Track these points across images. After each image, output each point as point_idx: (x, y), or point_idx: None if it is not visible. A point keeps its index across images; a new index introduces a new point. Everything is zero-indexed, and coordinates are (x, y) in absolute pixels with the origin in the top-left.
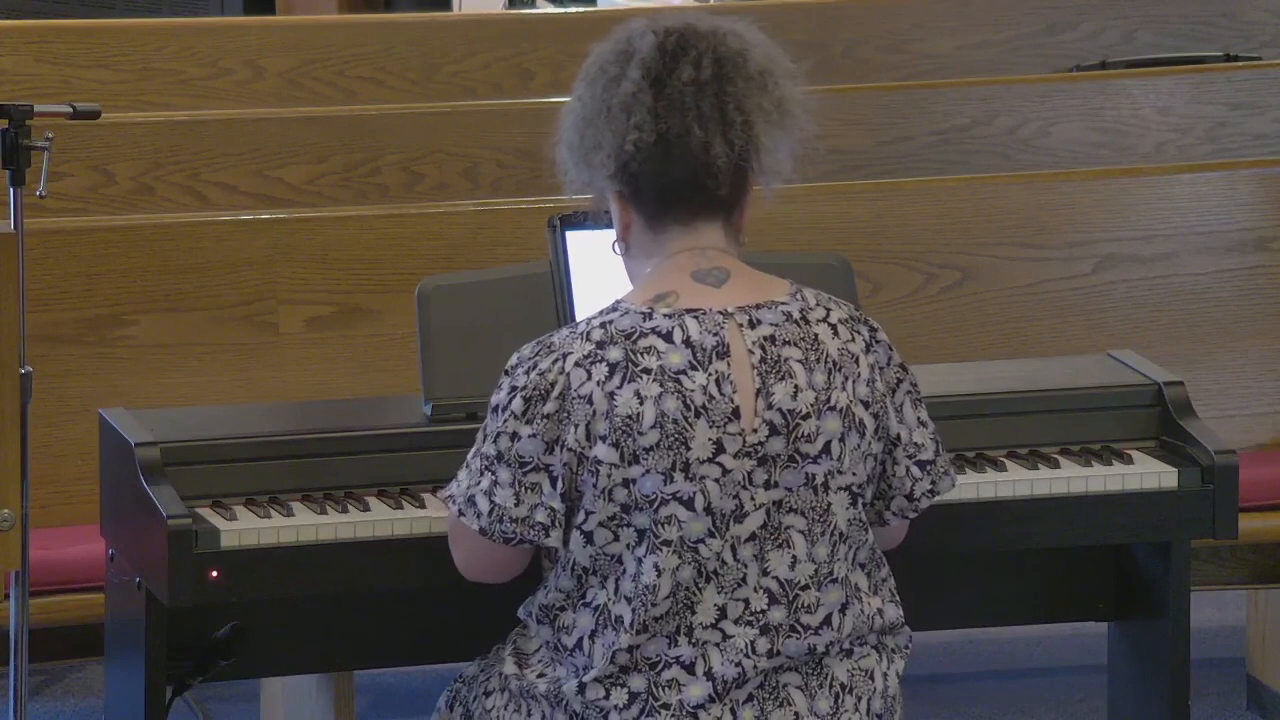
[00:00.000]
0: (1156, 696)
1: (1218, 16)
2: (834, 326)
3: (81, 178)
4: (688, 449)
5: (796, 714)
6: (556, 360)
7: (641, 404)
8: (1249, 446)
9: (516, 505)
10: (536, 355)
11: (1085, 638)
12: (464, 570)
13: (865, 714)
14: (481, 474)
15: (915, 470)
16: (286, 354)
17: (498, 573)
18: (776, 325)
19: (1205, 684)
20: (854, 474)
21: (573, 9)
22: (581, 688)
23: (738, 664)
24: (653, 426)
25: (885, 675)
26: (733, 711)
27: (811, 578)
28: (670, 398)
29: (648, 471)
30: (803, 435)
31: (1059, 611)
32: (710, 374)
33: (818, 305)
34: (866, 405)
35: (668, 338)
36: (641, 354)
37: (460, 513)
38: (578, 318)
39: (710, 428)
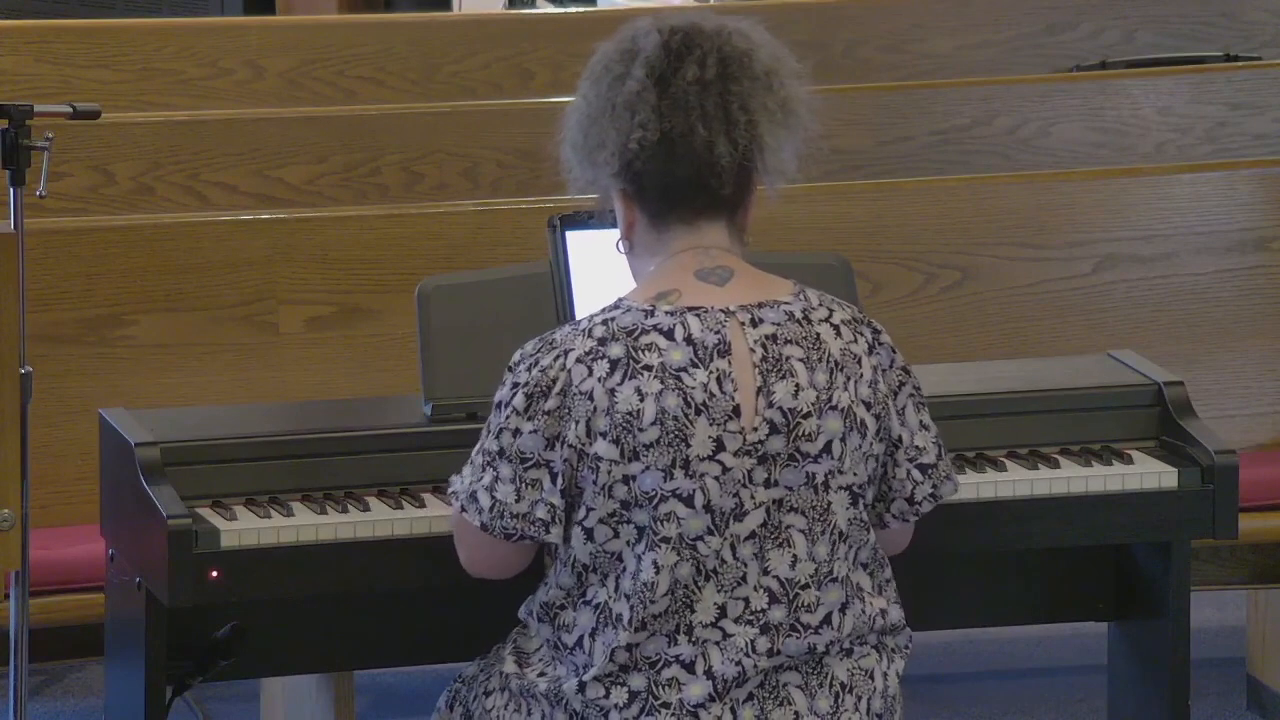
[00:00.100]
0: (1156, 696)
1: (1218, 16)
2: (837, 327)
3: (81, 178)
4: (688, 446)
5: (796, 713)
6: (558, 357)
7: (642, 401)
8: (1249, 446)
9: (517, 501)
10: (539, 352)
11: (1085, 638)
12: (468, 566)
13: (865, 714)
14: (483, 470)
15: (916, 473)
16: (286, 354)
17: (501, 569)
18: (778, 324)
19: (1205, 684)
20: (855, 474)
21: (573, 9)
22: (582, 686)
23: (738, 663)
24: (653, 423)
25: (885, 675)
26: (733, 711)
27: (811, 577)
28: (671, 395)
29: (648, 468)
30: (803, 434)
31: (1059, 611)
32: (711, 372)
33: (820, 305)
34: (868, 406)
35: (669, 335)
36: (643, 351)
37: (463, 508)
38: (578, 318)
39: (710, 425)
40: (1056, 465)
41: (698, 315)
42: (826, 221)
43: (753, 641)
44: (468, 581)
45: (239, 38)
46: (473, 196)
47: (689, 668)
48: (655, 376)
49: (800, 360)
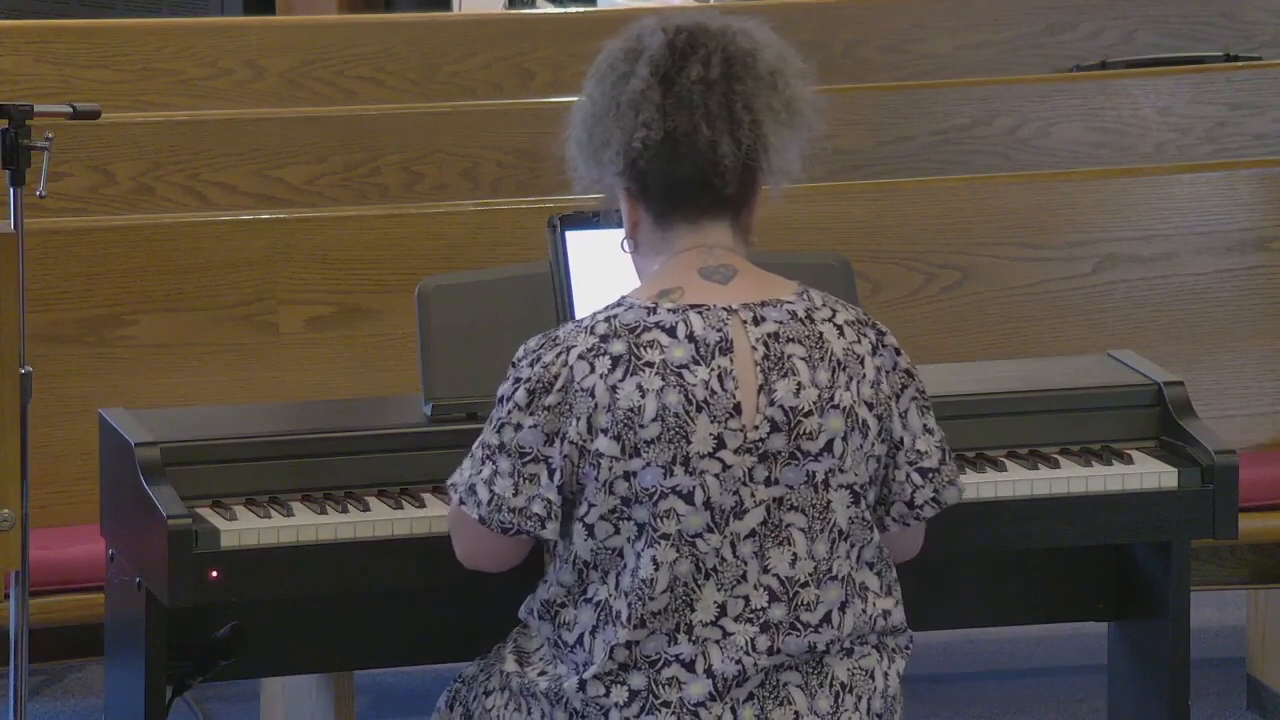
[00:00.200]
0: (1156, 696)
1: (1218, 16)
2: (840, 327)
3: (81, 178)
4: (688, 443)
5: (797, 713)
6: (560, 353)
7: (643, 397)
8: (1249, 446)
9: (514, 495)
10: (541, 348)
11: (1085, 638)
12: (463, 559)
13: (865, 713)
14: (483, 463)
15: (916, 477)
16: (286, 354)
17: (496, 562)
18: (781, 323)
19: (1205, 684)
20: (855, 474)
21: (573, 9)
22: (582, 685)
23: (738, 661)
24: (654, 420)
25: (886, 675)
26: (733, 710)
27: (811, 575)
28: (672, 391)
29: (648, 465)
30: (804, 432)
31: (1059, 611)
32: (713, 369)
33: (824, 306)
34: (870, 407)
35: (671, 332)
36: (644, 348)
37: (461, 501)
38: (579, 317)
39: (711, 423)
40: (1056, 465)
41: (700, 313)
42: (827, 221)
43: (753, 640)
44: (468, 581)
45: (239, 38)
46: (473, 196)
47: (689, 666)
48: (657, 373)
49: (802, 359)
